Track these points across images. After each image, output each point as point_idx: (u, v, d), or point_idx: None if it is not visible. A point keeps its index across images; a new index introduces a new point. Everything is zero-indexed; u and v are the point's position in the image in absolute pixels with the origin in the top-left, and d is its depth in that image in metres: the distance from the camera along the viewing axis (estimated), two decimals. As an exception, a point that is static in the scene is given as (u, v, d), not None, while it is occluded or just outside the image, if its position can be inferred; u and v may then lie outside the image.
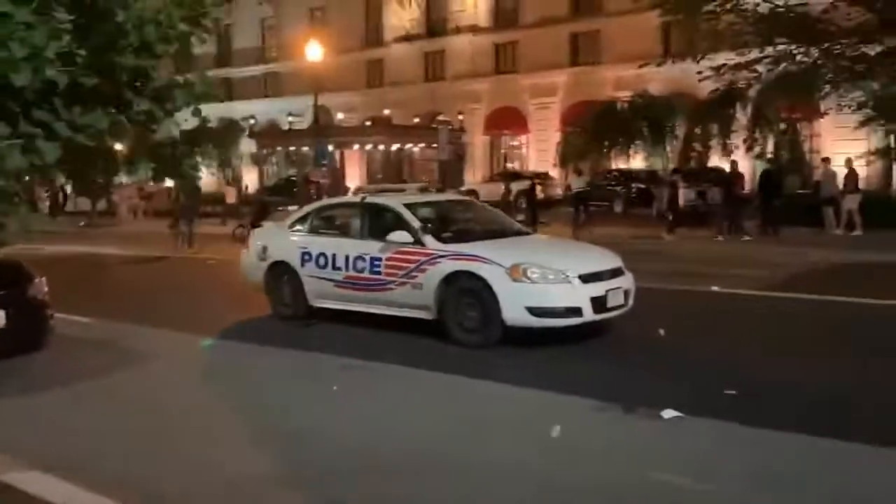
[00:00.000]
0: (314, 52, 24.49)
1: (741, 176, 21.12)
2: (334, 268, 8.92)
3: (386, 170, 41.78)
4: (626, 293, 8.04)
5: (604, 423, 5.56)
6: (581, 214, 22.26)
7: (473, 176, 39.87)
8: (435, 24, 42.45)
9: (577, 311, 7.53)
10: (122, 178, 35.13)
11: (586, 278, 7.65)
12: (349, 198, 9.57)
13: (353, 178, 42.62)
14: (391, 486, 4.44)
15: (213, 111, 48.44)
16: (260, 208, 21.56)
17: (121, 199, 35.24)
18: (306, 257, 9.21)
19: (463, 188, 35.68)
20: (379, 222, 8.77)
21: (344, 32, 43.04)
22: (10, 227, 3.80)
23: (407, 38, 42.96)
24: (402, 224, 8.46)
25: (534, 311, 7.49)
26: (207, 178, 47.84)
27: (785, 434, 5.08)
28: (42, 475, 4.52)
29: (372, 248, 8.57)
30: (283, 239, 9.66)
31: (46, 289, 8.09)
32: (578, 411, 5.78)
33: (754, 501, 4.24)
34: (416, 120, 40.11)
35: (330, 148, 30.13)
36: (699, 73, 19.36)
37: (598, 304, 7.63)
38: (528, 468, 4.66)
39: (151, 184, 38.84)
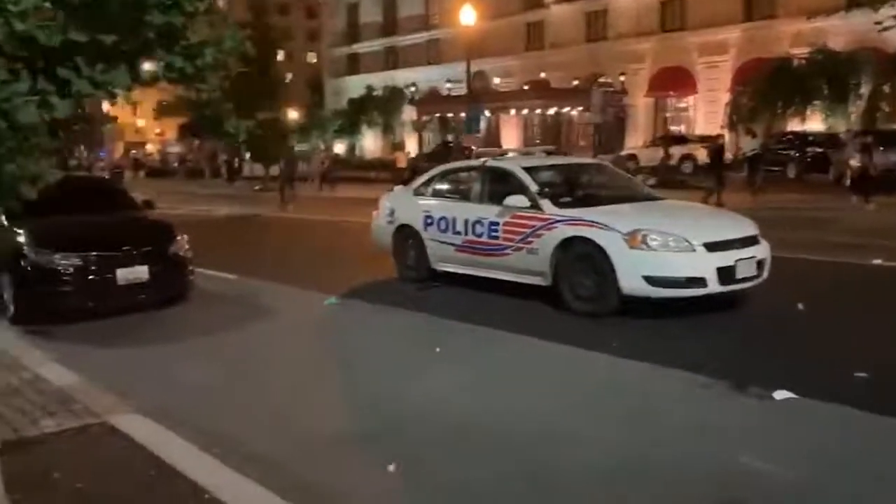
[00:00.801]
0: (467, 16, 24.35)
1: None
2: (454, 232, 8.87)
3: (544, 134, 41.25)
4: (760, 263, 7.39)
5: (706, 399, 5.15)
6: (757, 178, 20.83)
7: (636, 139, 38.44)
8: (598, -18, 41.07)
9: (700, 282, 7.01)
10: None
11: (713, 246, 7.09)
12: (471, 161, 9.43)
13: (511, 142, 42.46)
14: (443, 451, 4.35)
15: (380, 80, 50.11)
16: (411, 174, 22.00)
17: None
18: (428, 220, 9.24)
19: (622, 152, 34.57)
20: (498, 186, 8.58)
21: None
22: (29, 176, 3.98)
23: (569, -2, 41.85)
24: (519, 188, 8.24)
25: (652, 281, 7.05)
26: (373, 145, 49.63)
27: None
28: (144, 420, 4.82)
29: (490, 212, 8.42)
30: (409, 202, 9.73)
31: (188, 247, 8.70)
32: (683, 386, 5.39)
33: (844, 496, 3.75)
34: (576, 83, 39.14)
35: (487, 113, 29.99)
36: (877, 23, 17.31)
37: (726, 274, 7.05)
38: (611, 442, 4.42)
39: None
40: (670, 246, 7.08)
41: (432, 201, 9.37)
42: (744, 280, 7.24)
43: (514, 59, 43.95)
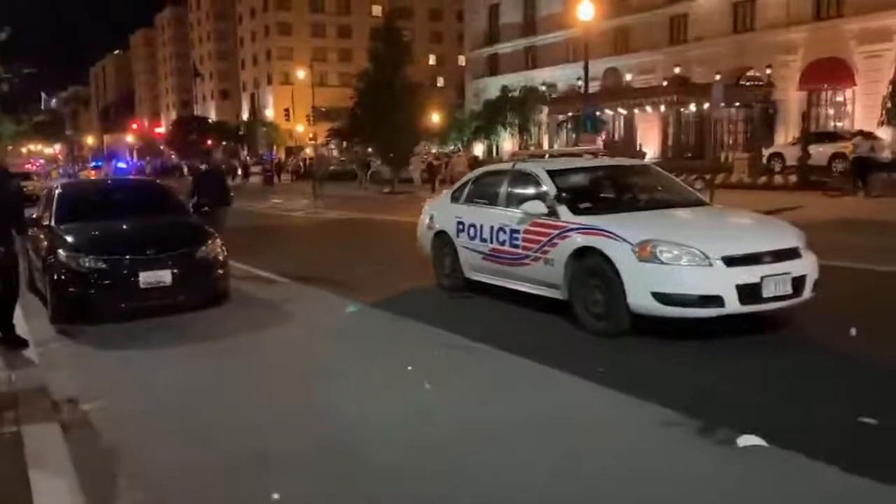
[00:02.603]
0: (585, 12, 23.45)
1: None
2: (482, 239, 8.42)
3: (686, 132, 39.26)
4: (799, 280, 6.41)
5: (659, 440, 4.47)
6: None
7: (786, 136, 35.61)
8: (747, -30, 38.45)
9: (716, 300, 6.15)
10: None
11: (733, 261, 6.21)
12: (502, 164, 8.90)
13: (650, 142, 40.78)
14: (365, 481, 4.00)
15: (518, 80, 49.66)
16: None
17: (415, 167, 37.42)
18: (460, 227, 8.84)
19: (767, 150, 32.20)
20: (523, 190, 8.04)
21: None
22: None
23: (715, -12, 39.50)
24: (540, 193, 7.67)
25: (663, 298, 6.28)
26: (511, 146, 49.31)
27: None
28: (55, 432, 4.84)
29: (513, 218, 7.92)
30: (446, 208, 9.36)
31: (220, 250, 8.80)
32: (644, 423, 4.73)
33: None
34: (717, 77, 36.77)
35: (608, 112, 28.79)
36: None
37: (749, 292, 6.16)
38: (529, 485, 3.92)
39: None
40: (684, 259, 6.28)
41: (464, 207, 8.95)
42: (774, 299, 6.30)
43: (656, 54, 42.13)
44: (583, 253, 6.92)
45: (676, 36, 42.15)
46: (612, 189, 8.23)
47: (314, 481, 4.10)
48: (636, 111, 39.92)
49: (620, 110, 38.73)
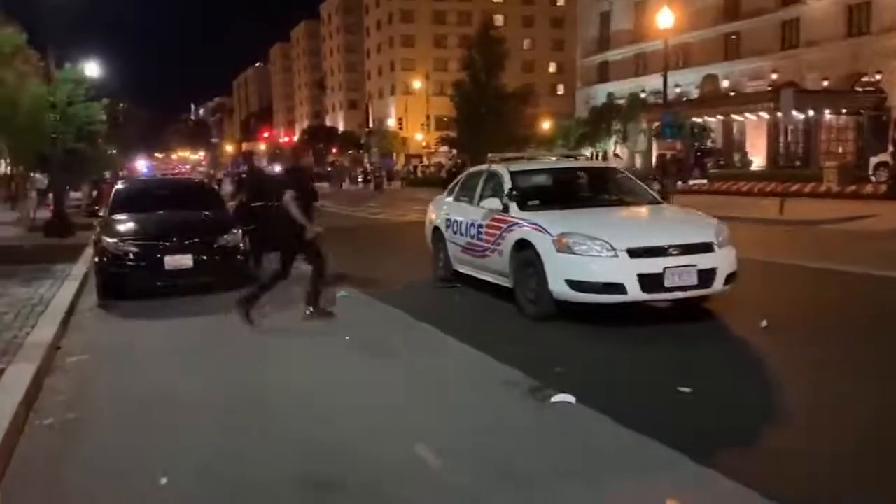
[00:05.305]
0: (665, 19, 23.53)
1: None
2: (461, 234, 9.25)
3: (794, 139, 37.86)
4: (709, 273, 6.88)
5: (491, 395, 5.27)
6: None
7: (898, 145, 33.74)
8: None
9: (618, 288, 6.76)
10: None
11: (637, 252, 6.79)
12: (483, 165, 9.66)
13: (758, 149, 39.57)
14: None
15: (628, 87, 49.36)
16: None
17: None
18: (448, 222, 9.70)
19: (875, 159, 30.75)
20: (491, 189, 8.82)
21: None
22: None
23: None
24: (498, 191, 8.44)
25: (573, 285, 6.95)
26: (618, 153, 49.12)
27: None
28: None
29: (479, 214, 8.71)
30: (441, 205, 10.26)
31: (240, 240, 10.06)
32: (493, 382, 5.52)
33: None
34: (825, 83, 35.43)
35: (709, 119, 28.25)
36: None
37: (650, 282, 6.72)
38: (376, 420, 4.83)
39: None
40: (593, 250, 6.92)
41: (454, 204, 9.81)
42: (677, 289, 6.82)
43: (766, 60, 40.92)
44: (521, 245, 7.66)
45: (788, 40, 40.77)
46: (566, 188, 8.86)
47: (211, 420, 5.09)
48: (746, 117, 38.91)
49: (720, 117, 37.89)
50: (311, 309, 7.98)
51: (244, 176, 12.93)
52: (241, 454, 4.32)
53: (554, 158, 9.88)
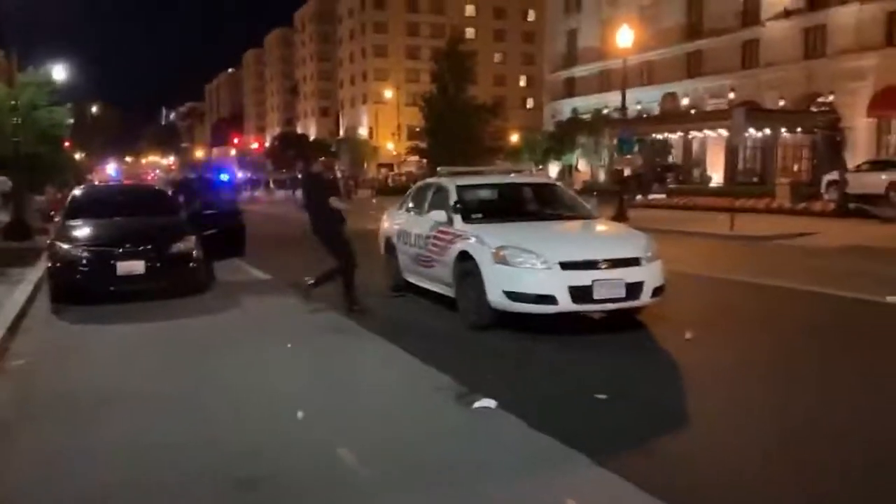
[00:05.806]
0: (624, 38, 24.08)
1: None
2: (410, 244, 9.54)
3: (752, 156, 38.83)
4: (636, 286, 7.24)
5: (420, 400, 5.56)
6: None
7: (854, 163, 34.77)
8: (817, -4, 37.93)
9: (550, 299, 7.10)
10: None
11: (569, 265, 7.14)
12: (432, 178, 9.98)
13: (718, 166, 40.45)
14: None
15: (593, 103, 50.11)
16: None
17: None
18: (399, 234, 9.99)
19: (827, 177, 31.68)
20: (439, 202, 9.12)
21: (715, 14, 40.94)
22: None
23: (786, 13, 39.01)
24: (444, 204, 8.76)
25: (510, 296, 7.28)
26: (584, 167, 49.86)
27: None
28: None
29: (427, 225, 9.01)
30: (392, 217, 10.55)
31: (194, 247, 10.23)
32: (425, 388, 5.80)
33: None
34: (782, 103, 36.41)
35: (670, 136, 28.85)
36: None
37: (580, 294, 7.07)
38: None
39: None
40: (527, 263, 7.26)
41: (404, 215, 10.11)
42: (606, 301, 7.18)
43: (726, 79, 41.91)
44: (463, 256, 7.98)
45: (749, 60, 41.79)
46: (508, 202, 9.22)
47: (144, 420, 5.35)
48: (706, 134, 39.76)
49: (680, 133, 38.73)
50: (312, 281, 9.26)
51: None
52: (170, 450, 4.56)
53: (495, 173, 10.17)
